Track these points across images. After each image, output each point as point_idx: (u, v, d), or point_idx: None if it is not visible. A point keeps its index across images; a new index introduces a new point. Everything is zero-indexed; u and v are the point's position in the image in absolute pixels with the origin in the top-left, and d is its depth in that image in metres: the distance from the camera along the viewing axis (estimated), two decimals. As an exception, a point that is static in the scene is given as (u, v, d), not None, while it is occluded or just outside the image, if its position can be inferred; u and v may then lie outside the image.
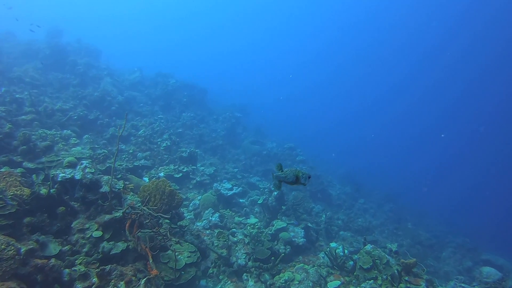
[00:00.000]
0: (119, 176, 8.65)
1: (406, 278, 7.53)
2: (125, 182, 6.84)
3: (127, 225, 5.72)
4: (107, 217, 5.71)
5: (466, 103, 61.45)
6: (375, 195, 22.77)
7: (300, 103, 63.98)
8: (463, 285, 7.24)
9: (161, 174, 11.18)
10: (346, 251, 10.20)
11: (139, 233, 5.73)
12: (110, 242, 5.52)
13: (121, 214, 5.82)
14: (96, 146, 10.61)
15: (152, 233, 5.95)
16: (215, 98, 30.21)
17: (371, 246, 8.21)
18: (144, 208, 6.01)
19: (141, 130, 13.42)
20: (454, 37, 56.37)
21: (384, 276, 6.96)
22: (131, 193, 6.79)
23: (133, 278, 5.06)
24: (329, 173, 24.76)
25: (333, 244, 11.45)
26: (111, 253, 5.39)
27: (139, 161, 11.22)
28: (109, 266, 5.03)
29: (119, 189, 6.32)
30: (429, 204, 28.35)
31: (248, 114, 26.62)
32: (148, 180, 10.43)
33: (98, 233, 5.53)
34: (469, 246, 17.10)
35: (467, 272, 14.31)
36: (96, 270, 4.95)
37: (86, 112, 12.65)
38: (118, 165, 9.51)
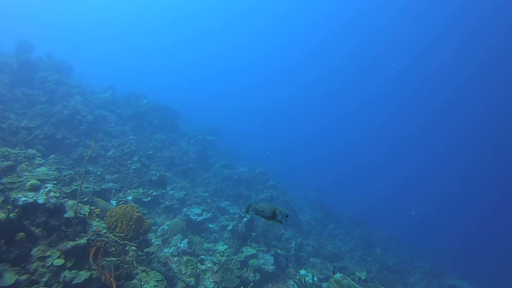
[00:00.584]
0: (85, 199, 8.35)
1: (374, 307, 7.60)
2: (91, 207, 6.60)
3: (91, 253, 5.50)
4: (71, 244, 5.47)
5: (433, 127, 64.57)
6: (344, 220, 23.11)
7: (272, 119, 65.53)
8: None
9: (130, 197, 10.87)
10: (315, 279, 10.21)
11: (104, 261, 5.51)
12: (72, 271, 5.25)
13: (86, 241, 5.59)
14: (63, 166, 10.24)
15: (117, 261, 5.73)
16: (188, 118, 30.20)
17: (340, 275, 8.26)
18: (110, 235, 5.81)
19: (111, 152, 13.08)
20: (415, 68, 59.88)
21: (352, 307, 6.99)
22: (97, 218, 6.56)
23: (95, 310, 4.83)
24: (300, 197, 25.02)
25: (302, 272, 11.42)
26: (72, 283, 5.12)
27: (107, 183, 10.87)
28: (70, 297, 4.80)
29: (84, 214, 6.08)
30: (397, 228, 29.21)
31: (219, 137, 26.70)
32: (115, 204, 10.12)
33: (59, 261, 5.26)
34: (435, 271, 17.58)
35: (433, 298, 14.63)
36: (55, 302, 4.70)
37: (54, 131, 12.25)
38: (85, 187, 9.20)
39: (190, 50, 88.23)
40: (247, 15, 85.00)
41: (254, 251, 10.35)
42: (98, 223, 6.40)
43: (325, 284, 9.53)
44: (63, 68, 20.50)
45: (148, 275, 6.44)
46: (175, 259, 8.80)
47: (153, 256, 7.54)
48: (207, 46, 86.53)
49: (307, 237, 16.39)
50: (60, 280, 5.07)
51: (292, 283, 9.62)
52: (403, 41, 59.05)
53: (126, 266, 5.84)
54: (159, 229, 10.49)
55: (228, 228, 11.69)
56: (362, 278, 8.74)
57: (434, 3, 49.45)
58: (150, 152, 16.36)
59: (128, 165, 12.87)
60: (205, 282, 7.98)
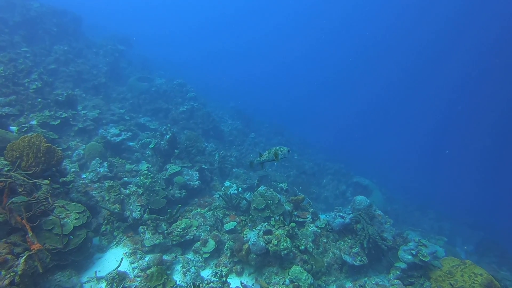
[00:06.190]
0: (-23, 130, 7.20)
1: (295, 213, 8.35)
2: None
3: (-6, 196, 4.91)
4: (-34, 188, 4.80)
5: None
6: (264, 128, 23.99)
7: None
8: (340, 214, 8.33)
9: (34, 122, 9.63)
10: (239, 189, 10.74)
11: (11, 203, 4.97)
12: (-26, 218, 4.70)
13: (-15, 183, 4.94)
14: None
15: (29, 201, 5.22)
16: (93, 26, 26.69)
17: (264, 188, 8.73)
18: (14, 174, 5.19)
19: (0, 68, 11.11)
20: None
21: (277, 217, 7.56)
22: (-4, 155, 5.75)
23: (9, 256, 4.48)
24: (220, 108, 24.97)
25: (227, 183, 11.88)
26: (-24, 230, 4.63)
27: (1, 108, 9.43)
28: (-24, 247, 4.35)
29: (-22, 153, 5.27)
30: (311, 133, 31.64)
31: (131, 46, 24.31)
32: (16, 131, 8.98)
33: (-44, 209, 4.64)
34: (343, 171, 19.72)
35: (342, 195, 16.60)
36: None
37: None
38: (-26, 115, 7.87)
39: None
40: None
41: (179, 168, 10.34)
42: (-3, 160, 5.64)
43: (249, 193, 10.12)
44: None
45: (67, 209, 6.07)
46: (96, 185, 8.39)
47: (70, 186, 7.07)
48: None
49: (229, 148, 16.82)
50: (-40, 229, 4.52)
51: (218, 195, 9.98)
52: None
53: (40, 204, 5.38)
54: (74, 154, 9.72)
55: (150, 146, 11.33)
56: (284, 188, 9.41)
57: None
58: (52, 67, 14.32)
59: (26, 84, 11.17)
60: (131, 207, 7.85)
